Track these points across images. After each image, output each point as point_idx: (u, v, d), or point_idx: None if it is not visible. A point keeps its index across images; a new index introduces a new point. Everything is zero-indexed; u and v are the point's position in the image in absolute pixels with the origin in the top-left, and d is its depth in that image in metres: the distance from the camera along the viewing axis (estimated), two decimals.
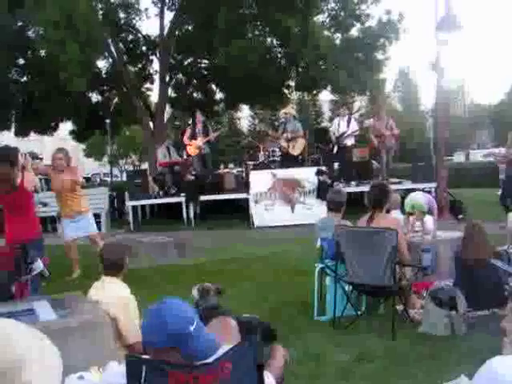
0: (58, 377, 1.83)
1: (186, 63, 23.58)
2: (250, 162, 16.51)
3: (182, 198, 15.05)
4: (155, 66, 23.89)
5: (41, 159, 8.57)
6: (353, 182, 14.92)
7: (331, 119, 20.75)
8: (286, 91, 23.49)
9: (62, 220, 9.30)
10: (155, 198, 16.01)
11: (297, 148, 15.41)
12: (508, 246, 6.96)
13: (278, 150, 15.68)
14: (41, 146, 51.71)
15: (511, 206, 10.67)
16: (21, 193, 6.69)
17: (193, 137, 15.80)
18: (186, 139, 16.00)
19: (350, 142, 15.25)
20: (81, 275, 8.95)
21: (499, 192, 12.70)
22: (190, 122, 17.19)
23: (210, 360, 2.37)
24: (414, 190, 13.82)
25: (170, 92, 23.94)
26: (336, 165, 16.00)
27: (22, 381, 1.86)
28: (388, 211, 6.50)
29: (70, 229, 9.07)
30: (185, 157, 17.12)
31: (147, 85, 25.30)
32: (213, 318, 3.45)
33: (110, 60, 22.28)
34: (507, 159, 12.44)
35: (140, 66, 24.29)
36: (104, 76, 23.43)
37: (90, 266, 8.90)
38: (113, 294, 4.31)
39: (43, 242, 7.25)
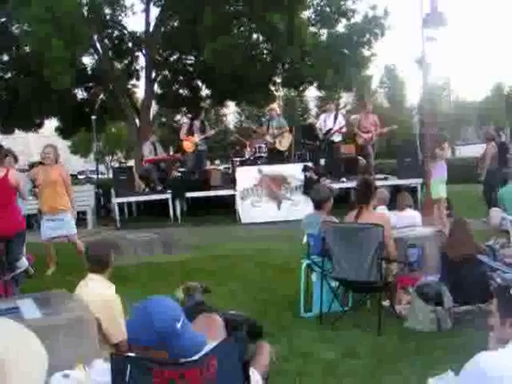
0: (41, 378, 1.80)
1: (171, 60, 23.46)
2: (237, 159, 16.49)
3: (168, 195, 15.00)
4: (141, 62, 23.78)
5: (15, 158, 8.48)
6: (343, 179, 14.87)
7: (318, 116, 20.76)
8: (272, 88, 23.46)
9: (42, 217, 9.22)
10: (141, 194, 15.94)
11: (284, 143, 15.39)
12: (493, 242, 7.01)
13: (264, 146, 15.66)
14: (26, 143, 51.45)
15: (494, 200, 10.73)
16: (5, 187, 6.80)
17: (189, 133, 15.77)
18: (182, 135, 15.98)
19: (337, 138, 15.23)
20: (56, 272, 8.93)
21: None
22: (184, 118, 17.11)
23: (196, 357, 2.36)
24: (400, 186, 13.92)
25: (156, 89, 23.82)
26: (322, 161, 15.99)
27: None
28: (374, 208, 6.52)
29: (48, 228, 9.01)
30: (171, 152, 17.07)
31: (133, 81, 25.16)
32: (198, 314, 3.44)
33: (96, 57, 22.14)
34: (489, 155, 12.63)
35: (126, 62, 24.14)
36: (89, 73, 23.30)
37: (70, 264, 8.92)
38: (95, 293, 4.24)
39: (25, 236, 7.40)
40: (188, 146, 15.81)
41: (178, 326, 2.33)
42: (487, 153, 12.76)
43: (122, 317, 4.20)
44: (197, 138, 15.63)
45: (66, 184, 9.02)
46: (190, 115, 19.21)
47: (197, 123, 15.92)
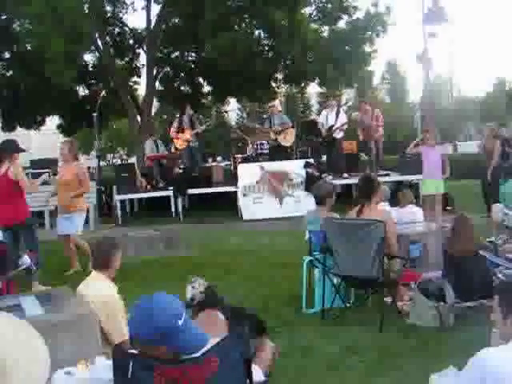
0: (43, 376, 1.79)
1: (173, 56, 23.43)
2: (239, 155, 16.46)
3: (170, 192, 14.99)
4: (142, 59, 23.76)
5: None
6: (345, 175, 14.83)
7: (319, 112, 20.73)
8: (273, 84, 23.43)
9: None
10: (143, 191, 15.94)
11: (288, 139, 15.37)
12: (495, 238, 7.00)
13: (266, 143, 15.63)
14: (28, 141, 51.37)
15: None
16: (5, 179, 7.27)
17: (179, 129, 15.73)
18: (172, 132, 15.95)
19: (339, 134, 15.19)
20: (57, 270, 8.90)
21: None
22: (178, 114, 16.98)
23: (197, 354, 2.36)
24: (401, 182, 13.89)
25: (158, 85, 23.81)
26: (324, 157, 15.98)
27: None
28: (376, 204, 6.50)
29: (59, 225, 9.07)
30: (172, 150, 17.04)
31: (134, 78, 25.16)
32: (201, 311, 3.43)
33: (97, 54, 22.14)
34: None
35: (127, 59, 24.15)
36: (91, 70, 23.29)
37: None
38: (95, 293, 4.19)
39: (36, 226, 7.70)
40: (180, 143, 15.81)
41: (180, 322, 2.32)
42: (495, 150, 12.70)
43: (123, 318, 4.14)
44: (188, 134, 15.62)
45: (81, 184, 8.91)
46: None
47: (185, 119, 15.88)
